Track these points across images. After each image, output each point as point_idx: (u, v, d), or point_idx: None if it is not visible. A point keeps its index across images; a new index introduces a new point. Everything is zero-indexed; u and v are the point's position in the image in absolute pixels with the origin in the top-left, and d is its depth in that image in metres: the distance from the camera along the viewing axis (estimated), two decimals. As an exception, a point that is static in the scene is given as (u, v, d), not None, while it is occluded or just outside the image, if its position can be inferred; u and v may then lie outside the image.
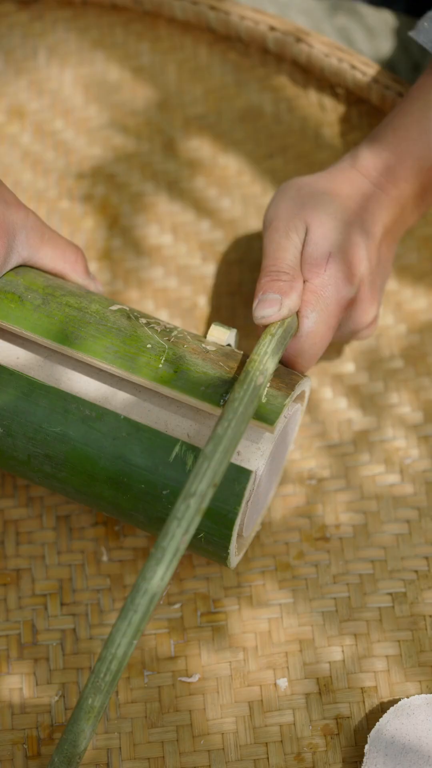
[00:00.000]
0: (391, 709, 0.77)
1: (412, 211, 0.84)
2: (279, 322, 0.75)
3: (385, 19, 1.01)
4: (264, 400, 0.72)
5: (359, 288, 0.79)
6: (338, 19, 1.01)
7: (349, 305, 0.80)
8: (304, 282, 0.77)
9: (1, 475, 0.87)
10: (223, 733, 0.80)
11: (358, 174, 0.82)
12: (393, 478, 0.86)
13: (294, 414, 0.79)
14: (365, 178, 0.82)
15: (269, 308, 0.75)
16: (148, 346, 0.74)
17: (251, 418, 0.70)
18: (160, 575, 0.65)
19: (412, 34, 0.86)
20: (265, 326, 0.75)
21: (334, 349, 0.90)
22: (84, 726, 0.68)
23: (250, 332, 0.90)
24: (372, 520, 0.85)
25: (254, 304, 0.76)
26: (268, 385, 0.73)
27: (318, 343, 0.77)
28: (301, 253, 0.78)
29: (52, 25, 1.02)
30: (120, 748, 0.79)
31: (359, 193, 0.81)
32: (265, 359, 0.72)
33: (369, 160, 0.82)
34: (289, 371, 0.76)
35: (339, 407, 0.88)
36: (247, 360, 0.73)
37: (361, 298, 0.80)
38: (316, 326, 0.77)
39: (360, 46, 0.99)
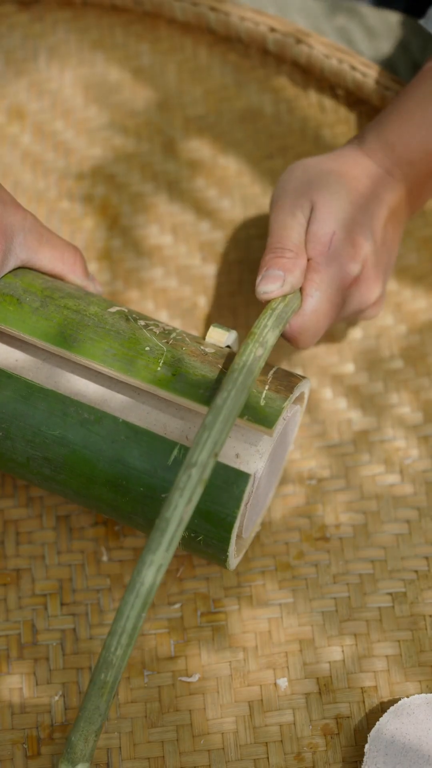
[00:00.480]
0: (391, 708, 0.77)
1: (418, 192, 0.84)
2: (281, 298, 0.75)
3: (385, 19, 1.01)
4: (262, 402, 0.72)
5: (363, 266, 0.79)
6: (338, 20, 1.01)
7: (354, 283, 0.80)
8: (308, 260, 0.78)
9: (1, 475, 0.87)
10: (223, 733, 0.80)
11: (364, 155, 0.83)
12: (393, 478, 0.86)
13: (293, 415, 0.79)
14: (371, 160, 0.82)
15: (272, 284, 0.75)
16: (147, 348, 0.74)
17: (249, 390, 0.71)
18: (165, 546, 0.66)
19: (422, 22, 0.88)
20: (267, 302, 0.76)
21: (334, 350, 0.90)
22: (98, 702, 0.68)
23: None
24: (372, 520, 0.85)
25: (257, 280, 0.76)
26: (267, 387, 0.73)
27: (321, 321, 0.78)
28: (306, 232, 0.78)
29: (52, 26, 1.02)
30: (120, 747, 0.80)
31: (365, 174, 0.82)
32: (265, 332, 0.73)
33: (375, 143, 0.83)
34: (288, 373, 0.76)
35: (339, 407, 0.89)
36: (248, 333, 0.73)
37: (366, 277, 0.80)
38: (319, 304, 0.77)
39: (360, 47, 0.99)
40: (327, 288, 0.77)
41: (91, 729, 0.69)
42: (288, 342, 0.79)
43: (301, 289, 0.77)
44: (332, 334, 0.90)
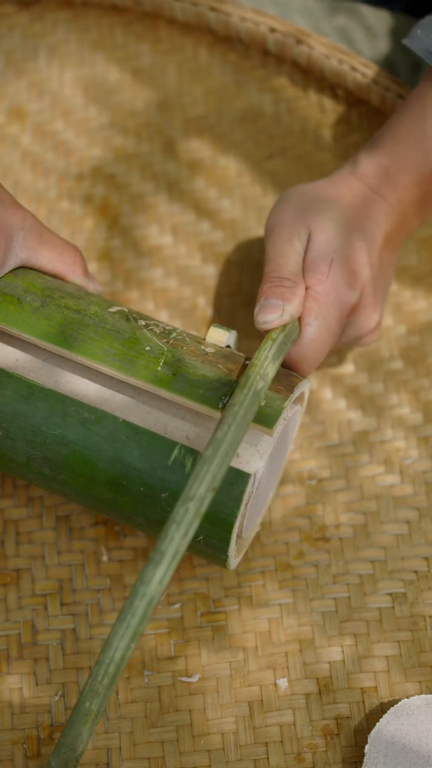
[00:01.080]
0: (391, 709, 0.77)
1: (412, 217, 0.84)
2: (280, 328, 0.75)
3: (385, 20, 1.01)
4: (263, 402, 0.72)
5: (362, 293, 0.79)
6: (338, 20, 1.01)
7: (352, 311, 0.80)
8: (306, 288, 0.77)
9: (1, 475, 0.87)
10: (223, 733, 0.80)
11: (358, 181, 0.83)
12: (393, 478, 0.86)
13: (294, 415, 0.79)
14: (365, 186, 0.82)
15: (271, 314, 0.75)
16: (147, 348, 0.74)
17: (251, 422, 0.71)
18: (158, 579, 0.66)
19: (405, 41, 0.87)
20: (267, 331, 0.76)
21: (334, 351, 0.90)
22: (81, 730, 0.68)
23: (250, 333, 0.90)
24: (372, 520, 0.85)
25: (256, 309, 0.76)
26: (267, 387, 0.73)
27: (320, 350, 0.78)
28: (303, 260, 0.78)
29: (52, 26, 1.02)
30: (120, 747, 0.80)
31: (360, 200, 0.82)
32: (266, 364, 0.72)
33: (368, 168, 0.83)
34: (288, 373, 0.76)
35: (339, 408, 0.89)
36: (248, 364, 0.73)
37: (364, 304, 0.80)
38: (318, 333, 0.77)
39: (360, 47, 0.99)
40: (326, 317, 0.77)
41: (72, 756, 0.68)
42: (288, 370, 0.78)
43: (299, 318, 0.77)
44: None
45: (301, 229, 0.79)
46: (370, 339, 0.84)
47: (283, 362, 0.77)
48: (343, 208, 0.80)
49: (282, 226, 0.80)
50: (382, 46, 0.99)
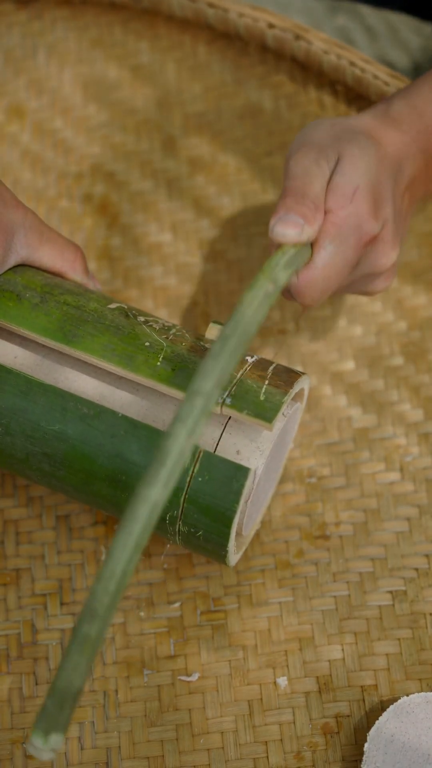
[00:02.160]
0: (391, 707, 0.77)
1: None
2: (292, 245, 0.72)
3: (385, 19, 1.01)
4: (262, 398, 0.72)
5: (383, 227, 0.76)
6: (338, 20, 1.01)
7: (370, 243, 0.76)
8: (326, 213, 0.74)
9: (1, 474, 0.87)
10: (222, 732, 0.79)
11: (390, 119, 0.80)
12: (393, 475, 0.86)
13: (293, 412, 0.79)
14: (396, 126, 0.80)
15: (291, 229, 0.72)
16: (147, 344, 0.74)
17: (258, 327, 0.67)
18: (162, 481, 0.60)
19: None
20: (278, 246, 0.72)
21: (334, 347, 0.90)
22: (79, 659, 0.59)
23: (249, 331, 0.89)
24: (372, 518, 0.85)
25: (273, 220, 0.72)
26: (267, 383, 0.73)
27: (332, 277, 0.74)
28: (328, 183, 0.75)
29: (51, 24, 1.02)
30: (119, 747, 0.79)
31: (390, 138, 0.78)
32: (277, 270, 0.69)
33: (403, 108, 0.80)
34: (287, 369, 0.76)
35: (339, 405, 0.88)
36: (258, 271, 0.70)
37: (383, 238, 0.77)
38: (332, 258, 0.74)
39: (360, 47, 0.99)
40: (343, 242, 0.74)
41: (69, 693, 0.59)
42: (293, 298, 0.76)
43: (313, 243, 0.74)
44: (332, 331, 0.90)
45: (330, 152, 0.76)
46: (380, 284, 0.80)
47: (291, 287, 0.75)
48: (373, 142, 0.77)
49: (311, 147, 0.76)
50: (382, 46, 0.99)
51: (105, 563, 0.59)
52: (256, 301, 0.67)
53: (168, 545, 0.84)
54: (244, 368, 0.74)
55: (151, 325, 0.75)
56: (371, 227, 0.75)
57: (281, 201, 0.73)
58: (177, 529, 0.74)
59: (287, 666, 0.81)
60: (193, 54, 1.00)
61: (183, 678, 0.81)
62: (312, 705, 0.80)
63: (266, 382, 0.73)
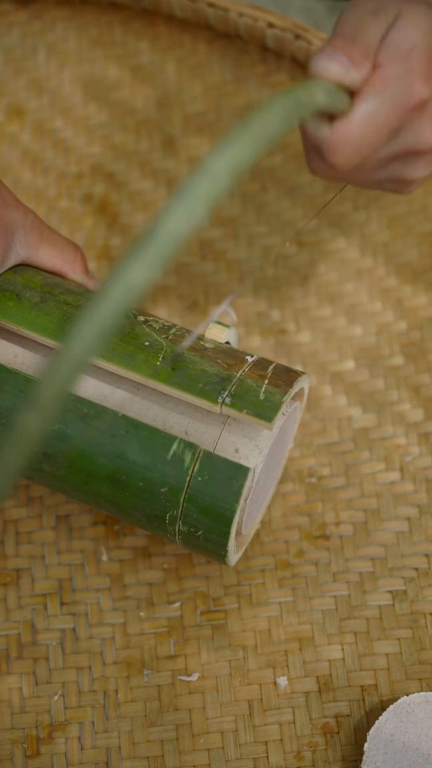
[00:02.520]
0: (391, 707, 0.77)
1: None
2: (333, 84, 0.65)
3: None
4: (262, 397, 0.72)
5: None
6: (338, 18, 1.01)
7: (417, 109, 0.69)
8: (374, 68, 0.67)
9: (1, 474, 0.87)
10: (222, 732, 0.79)
11: None
12: (393, 475, 0.86)
13: (293, 412, 0.79)
14: None
15: (336, 66, 0.64)
16: (146, 343, 0.74)
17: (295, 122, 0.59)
18: (149, 260, 0.49)
19: None
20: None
21: (334, 347, 0.90)
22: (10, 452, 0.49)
23: (250, 332, 0.89)
24: (372, 517, 0.85)
25: (317, 54, 0.65)
26: (267, 382, 0.73)
27: (369, 136, 0.67)
28: (383, 38, 0.68)
29: (51, 23, 1.02)
30: (119, 747, 0.79)
31: None
32: (315, 88, 0.61)
33: None
34: (287, 369, 0.75)
35: (339, 405, 0.88)
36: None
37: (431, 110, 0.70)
38: (374, 114, 0.66)
39: (360, 44, 0.99)
40: (389, 99, 0.66)
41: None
42: (320, 160, 0.68)
43: (354, 95, 0.66)
44: (332, 331, 0.90)
45: (390, 8, 0.69)
46: (420, 169, 0.72)
47: (322, 142, 0.66)
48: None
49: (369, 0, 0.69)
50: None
51: (64, 348, 0.48)
52: (288, 102, 0.58)
53: (168, 545, 0.84)
54: (243, 367, 0.74)
55: (151, 325, 0.75)
56: (421, 91, 0.68)
57: (328, 42, 0.66)
58: (177, 529, 0.74)
59: (287, 666, 0.81)
60: (193, 54, 1.00)
61: (183, 678, 0.81)
62: (312, 705, 0.80)
63: (266, 381, 0.73)
